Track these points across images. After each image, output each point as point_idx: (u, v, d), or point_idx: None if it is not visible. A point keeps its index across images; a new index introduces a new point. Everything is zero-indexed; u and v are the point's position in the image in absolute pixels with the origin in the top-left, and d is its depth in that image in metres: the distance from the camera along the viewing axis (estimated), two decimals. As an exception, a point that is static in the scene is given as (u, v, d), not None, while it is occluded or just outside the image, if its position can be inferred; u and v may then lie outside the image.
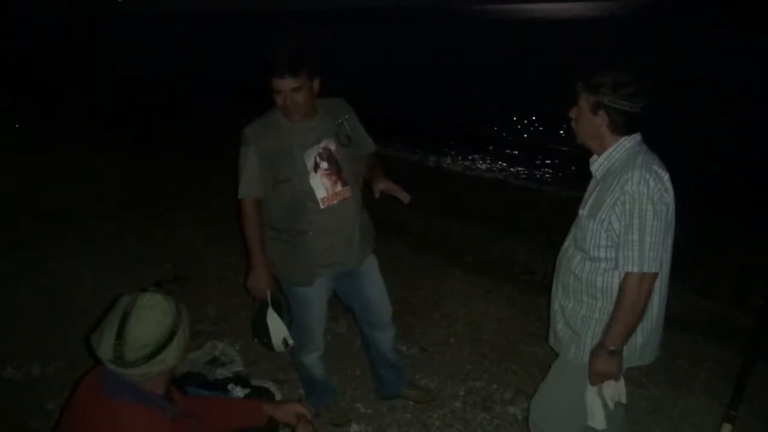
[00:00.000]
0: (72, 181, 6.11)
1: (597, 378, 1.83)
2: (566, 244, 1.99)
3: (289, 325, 2.38)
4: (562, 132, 9.12)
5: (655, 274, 1.73)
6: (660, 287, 1.83)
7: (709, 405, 2.75)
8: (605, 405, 1.88)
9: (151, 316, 1.40)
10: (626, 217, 1.71)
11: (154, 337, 1.39)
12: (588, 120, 1.81)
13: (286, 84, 2.10)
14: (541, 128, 10.40)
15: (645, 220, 1.68)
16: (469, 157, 9.11)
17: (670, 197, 1.73)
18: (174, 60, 26.00)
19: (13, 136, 8.92)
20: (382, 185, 2.32)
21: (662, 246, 1.72)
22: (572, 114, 1.88)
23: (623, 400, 1.88)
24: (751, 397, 2.22)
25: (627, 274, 1.73)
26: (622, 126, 1.78)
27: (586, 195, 1.92)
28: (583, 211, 1.88)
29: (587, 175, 1.94)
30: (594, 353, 1.82)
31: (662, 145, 1.86)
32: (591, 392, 1.88)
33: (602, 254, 1.81)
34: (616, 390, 1.86)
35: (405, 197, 2.30)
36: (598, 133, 1.81)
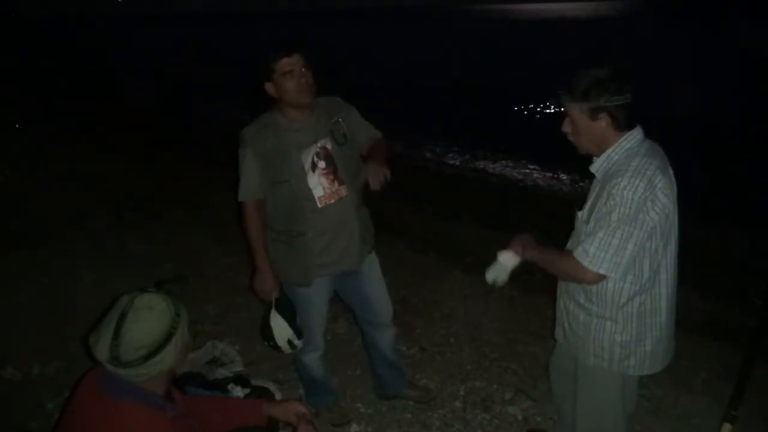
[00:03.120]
0: (72, 181, 6.11)
1: (514, 246, 1.99)
2: (568, 245, 1.98)
3: (293, 325, 2.38)
4: (562, 132, 9.10)
5: (598, 275, 1.70)
6: (668, 293, 1.82)
7: (709, 405, 2.75)
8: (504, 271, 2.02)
9: (147, 317, 1.39)
10: (605, 215, 1.69)
11: (151, 338, 1.38)
12: (589, 128, 1.77)
13: (296, 61, 2.10)
14: (541, 128, 10.38)
15: (618, 222, 1.66)
16: (470, 158, 9.11)
17: (660, 205, 1.68)
18: (173, 60, 26.01)
19: (13, 135, 8.91)
20: (369, 168, 2.16)
21: (631, 253, 1.68)
22: (566, 128, 1.83)
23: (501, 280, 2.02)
24: (751, 397, 2.21)
25: (576, 260, 1.72)
26: (625, 120, 1.75)
27: (588, 197, 1.91)
28: (581, 213, 1.87)
29: (587, 175, 1.93)
30: (519, 239, 1.99)
31: (661, 144, 1.85)
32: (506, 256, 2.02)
33: None
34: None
35: (373, 182, 2.10)
36: (603, 136, 1.77)
